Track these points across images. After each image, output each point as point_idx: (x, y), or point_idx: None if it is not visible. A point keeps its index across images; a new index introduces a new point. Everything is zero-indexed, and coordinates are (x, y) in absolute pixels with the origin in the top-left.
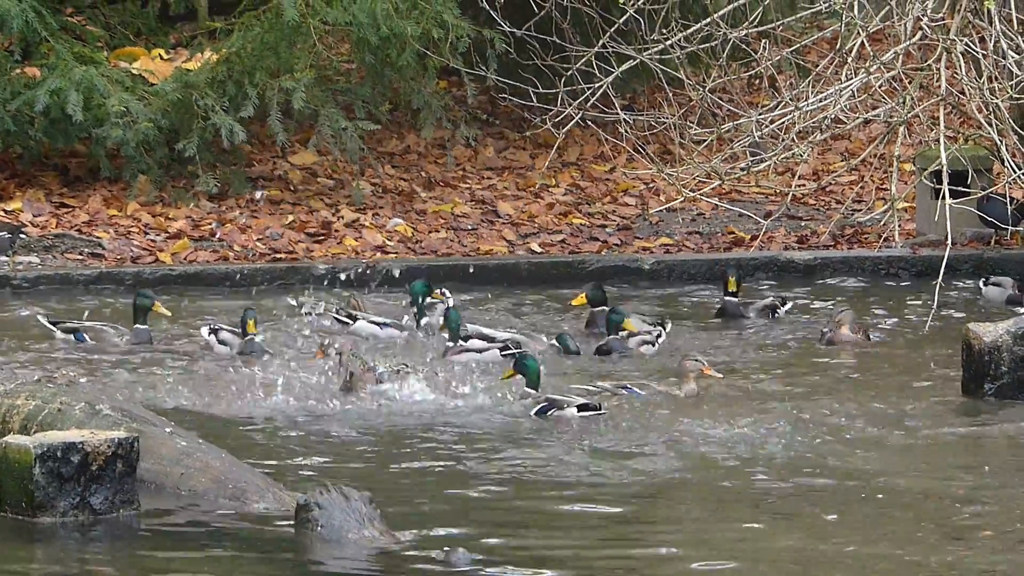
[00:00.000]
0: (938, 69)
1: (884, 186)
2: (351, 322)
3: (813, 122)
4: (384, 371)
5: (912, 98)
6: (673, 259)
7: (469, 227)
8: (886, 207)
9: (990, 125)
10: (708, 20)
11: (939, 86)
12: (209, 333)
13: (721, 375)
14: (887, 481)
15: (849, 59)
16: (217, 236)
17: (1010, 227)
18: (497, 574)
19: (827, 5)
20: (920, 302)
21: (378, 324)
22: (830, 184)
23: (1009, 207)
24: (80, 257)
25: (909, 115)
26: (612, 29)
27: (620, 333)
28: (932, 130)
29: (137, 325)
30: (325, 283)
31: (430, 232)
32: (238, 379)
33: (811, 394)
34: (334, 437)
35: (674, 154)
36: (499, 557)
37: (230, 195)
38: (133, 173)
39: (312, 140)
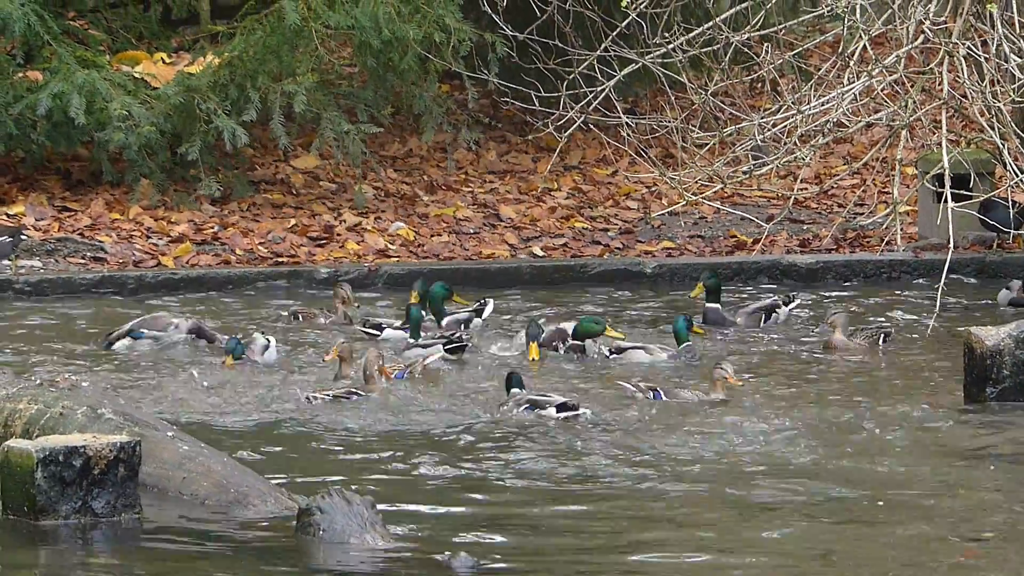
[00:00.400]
0: (940, 72)
1: (886, 190)
2: (379, 332)
3: (815, 126)
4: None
5: (914, 101)
6: (675, 263)
7: (471, 231)
8: (888, 211)
9: (992, 128)
10: (710, 24)
11: (941, 89)
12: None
13: (741, 383)
14: (889, 485)
15: (851, 62)
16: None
17: (1012, 231)
18: None
19: (829, 9)
20: (922, 305)
21: (404, 329)
22: (832, 188)
23: (1011, 211)
24: (82, 261)
25: (911, 118)
26: (614, 33)
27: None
28: (934, 133)
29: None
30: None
31: (432, 236)
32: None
33: (811, 400)
34: (337, 441)
35: (676, 158)
36: (502, 562)
37: (232, 199)
38: (135, 177)
39: (314, 144)
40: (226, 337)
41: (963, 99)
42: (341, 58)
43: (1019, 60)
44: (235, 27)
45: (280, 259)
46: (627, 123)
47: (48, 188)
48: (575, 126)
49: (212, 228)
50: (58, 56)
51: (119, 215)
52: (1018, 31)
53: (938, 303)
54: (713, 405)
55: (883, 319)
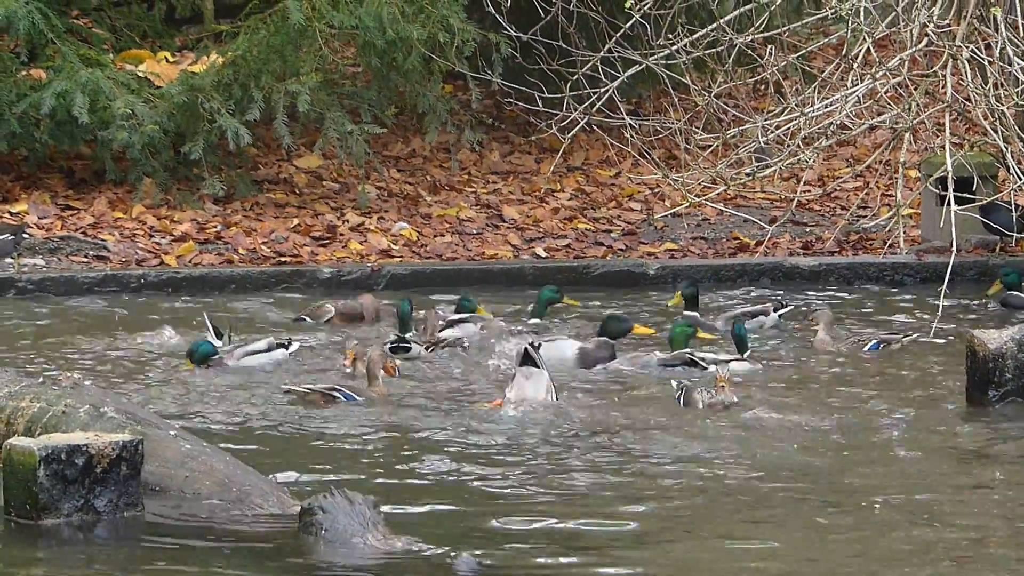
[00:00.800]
0: (944, 75)
1: (889, 192)
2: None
3: (819, 128)
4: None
5: (918, 104)
6: (678, 264)
7: (474, 231)
8: (891, 213)
9: (996, 132)
10: (714, 25)
11: (945, 92)
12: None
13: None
14: (891, 489)
15: (855, 65)
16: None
17: (1015, 234)
18: None
19: (833, 11)
20: (925, 308)
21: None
22: (835, 190)
23: (1014, 214)
24: (85, 259)
25: (915, 121)
26: (618, 34)
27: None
28: (938, 136)
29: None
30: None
31: (435, 236)
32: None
33: (812, 403)
34: (339, 441)
35: (679, 159)
36: (505, 562)
37: (235, 198)
38: (138, 176)
39: (317, 143)
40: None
41: (967, 102)
42: (345, 58)
43: (1023, 63)
44: (239, 26)
45: (283, 259)
46: (630, 124)
47: (51, 187)
48: (578, 127)
49: (215, 227)
50: (62, 55)
51: (122, 214)
52: (1022, 34)
53: (940, 306)
54: (721, 408)
55: (876, 327)
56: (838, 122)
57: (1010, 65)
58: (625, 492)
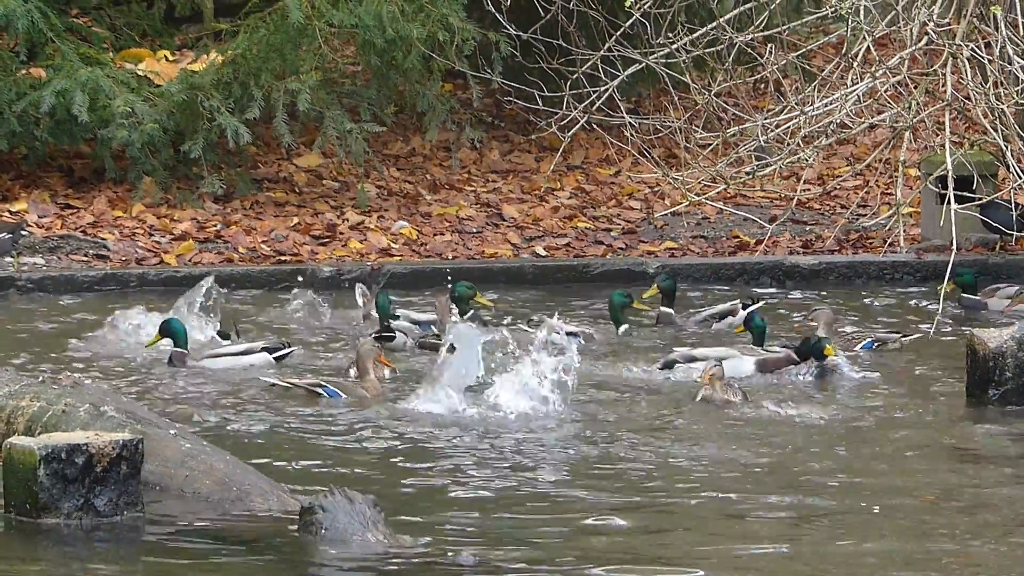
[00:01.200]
0: (944, 74)
1: (889, 191)
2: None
3: (819, 127)
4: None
5: (918, 103)
6: (678, 263)
7: (474, 230)
8: (891, 212)
9: (996, 130)
10: (714, 24)
11: (945, 91)
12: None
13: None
14: (890, 488)
15: (855, 64)
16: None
17: (1014, 233)
18: None
19: (833, 10)
20: (925, 307)
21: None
22: (835, 189)
23: (1014, 212)
24: (85, 258)
25: (915, 120)
26: (618, 33)
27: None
28: (938, 135)
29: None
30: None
31: (435, 235)
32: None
33: (811, 402)
34: (339, 440)
35: (679, 158)
36: (505, 561)
37: (235, 197)
38: (138, 174)
39: (317, 142)
40: None
41: (966, 101)
42: (344, 56)
43: (1023, 62)
44: (239, 25)
45: (283, 257)
46: (630, 123)
47: (51, 185)
48: (578, 126)
49: (215, 226)
50: (61, 53)
51: (122, 212)
52: (1022, 33)
53: (940, 305)
54: (717, 406)
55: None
56: (838, 121)
57: (1010, 64)
58: (625, 491)
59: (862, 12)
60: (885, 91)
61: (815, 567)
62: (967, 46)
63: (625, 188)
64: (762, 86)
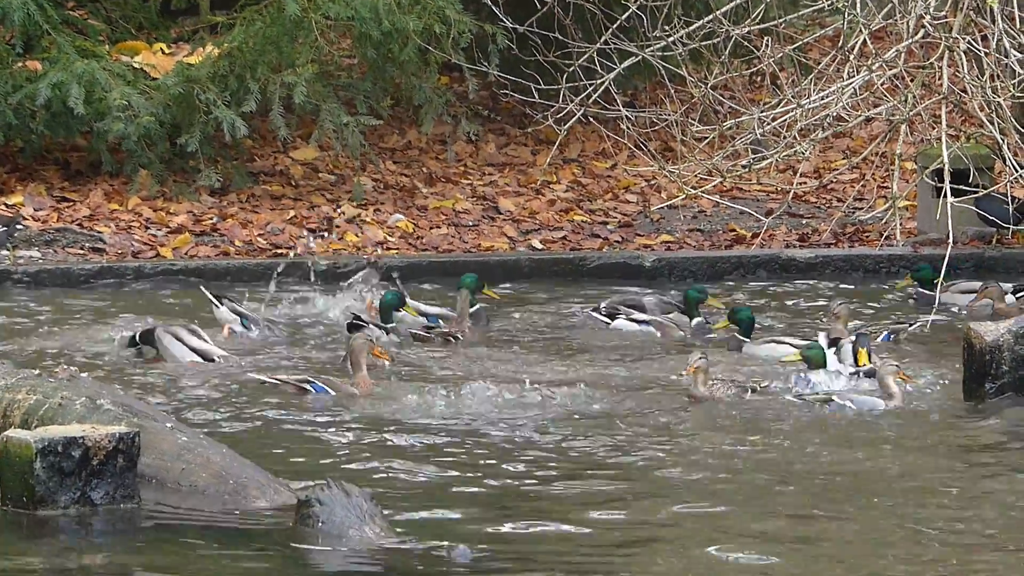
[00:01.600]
0: (940, 67)
1: (885, 184)
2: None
3: (815, 120)
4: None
5: (914, 96)
6: (674, 256)
7: (470, 223)
8: (887, 205)
9: (992, 123)
10: (710, 17)
11: (941, 84)
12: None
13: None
14: (887, 481)
15: (851, 57)
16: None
17: (1011, 226)
18: (499, 571)
19: (829, 3)
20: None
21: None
22: (831, 182)
23: (1010, 206)
24: (81, 251)
25: (911, 113)
26: (614, 25)
27: None
28: (934, 128)
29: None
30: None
31: (431, 228)
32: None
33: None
34: (335, 434)
35: (675, 151)
36: (501, 554)
37: (231, 190)
38: (134, 167)
39: (313, 135)
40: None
41: (963, 94)
42: (341, 49)
43: (1019, 55)
44: (235, 18)
45: (279, 250)
46: (626, 116)
47: (47, 178)
48: (575, 119)
49: (211, 219)
50: (57, 46)
51: (118, 206)
52: (1018, 26)
53: (937, 298)
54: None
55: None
56: (834, 114)
57: (1006, 57)
58: (624, 491)
59: (858, 5)
60: (881, 84)
61: (807, 560)
62: (963, 39)
63: (621, 181)
64: (758, 79)
